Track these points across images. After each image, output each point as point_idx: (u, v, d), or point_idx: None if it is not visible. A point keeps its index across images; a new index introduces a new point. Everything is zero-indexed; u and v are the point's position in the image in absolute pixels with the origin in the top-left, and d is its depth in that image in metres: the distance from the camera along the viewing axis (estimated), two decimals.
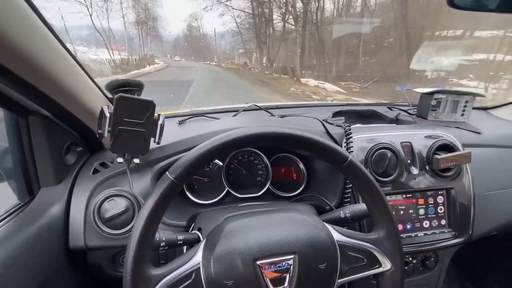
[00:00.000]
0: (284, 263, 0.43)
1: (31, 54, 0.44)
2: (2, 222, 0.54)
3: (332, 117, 1.00)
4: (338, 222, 0.59)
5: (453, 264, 1.27)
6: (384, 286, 0.51)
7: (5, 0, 0.37)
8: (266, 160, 0.80)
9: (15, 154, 0.60)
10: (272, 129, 0.45)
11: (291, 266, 0.43)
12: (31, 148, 0.60)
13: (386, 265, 0.50)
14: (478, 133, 0.93)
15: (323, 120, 0.89)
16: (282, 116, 0.99)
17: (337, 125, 0.85)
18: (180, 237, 0.53)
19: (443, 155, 0.75)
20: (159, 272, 0.42)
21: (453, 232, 0.78)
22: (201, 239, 0.56)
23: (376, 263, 0.50)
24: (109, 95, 0.69)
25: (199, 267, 0.43)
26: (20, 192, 0.62)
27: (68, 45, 0.55)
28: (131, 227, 0.64)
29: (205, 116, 1.01)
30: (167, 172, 0.42)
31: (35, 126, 0.58)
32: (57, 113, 0.58)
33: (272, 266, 0.42)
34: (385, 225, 0.50)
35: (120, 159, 0.62)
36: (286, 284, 0.43)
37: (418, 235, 0.77)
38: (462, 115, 1.00)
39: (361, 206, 0.59)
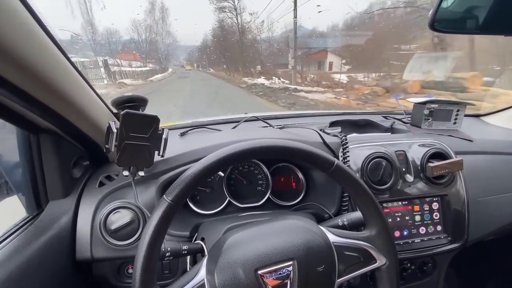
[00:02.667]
0: (284, 270, 0.45)
1: (42, 72, 0.46)
2: (12, 236, 0.56)
3: (329, 126, 1.03)
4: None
5: (453, 269, 1.28)
6: (382, 280, 0.53)
7: (14, 18, 0.39)
8: (266, 170, 0.82)
9: (25, 169, 0.62)
10: (261, 143, 0.47)
11: (291, 272, 0.45)
12: (40, 163, 0.62)
13: (381, 260, 0.52)
14: (471, 140, 0.96)
15: (320, 130, 0.92)
16: (281, 128, 1.02)
17: (334, 135, 0.88)
18: (184, 247, 0.55)
19: (435, 163, 0.77)
20: None
21: (449, 238, 0.81)
22: (204, 249, 0.58)
23: (372, 259, 0.52)
24: (114, 110, 0.72)
25: (203, 283, 0.44)
26: (29, 205, 0.64)
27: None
28: (136, 238, 0.66)
29: (206, 128, 1.04)
30: (164, 196, 0.44)
31: (45, 142, 0.61)
32: (66, 129, 0.61)
33: (273, 274, 0.44)
34: (375, 222, 0.53)
35: (126, 172, 0.65)
36: None
37: (415, 241, 0.79)
38: (455, 123, 1.03)
39: (358, 214, 0.61)
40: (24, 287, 0.50)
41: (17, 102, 0.48)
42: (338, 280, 0.49)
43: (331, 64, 15.80)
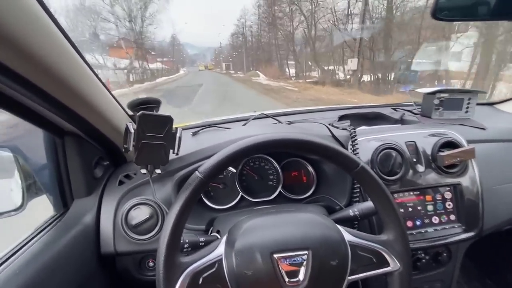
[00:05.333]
0: (298, 258, 0.47)
1: (68, 80, 0.50)
2: (43, 232, 0.61)
3: (338, 120, 1.04)
4: (348, 220, 0.63)
5: (470, 259, 1.26)
6: (393, 285, 0.54)
7: (38, 27, 0.42)
8: (276, 165, 0.84)
9: (52, 170, 0.67)
10: (290, 136, 0.49)
11: (305, 261, 0.47)
12: (65, 164, 0.67)
13: (395, 265, 0.53)
14: (483, 128, 0.95)
15: (329, 124, 0.93)
16: (290, 123, 1.03)
17: (343, 129, 0.89)
18: (202, 239, 0.58)
19: (446, 152, 0.77)
20: (187, 260, 0.47)
21: (463, 227, 0.80)
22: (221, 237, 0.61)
23: (385, 263, 0.53)
24: (130, 112, 0.76)
25: (221, 259, 0.47)
26: (56, 204, 0.69)
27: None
28: (156, 233, 0.69)
29: (216, 127, 1.07)
30: (197, 171, 0.47)
31: (70, 144, 0.65)
32: (88, 131, 0.65)
33: (287, 260, 0.47)
34: (394, 228, 0.54)
35: (143, 171, 0.68)
36: (300, 277, 0.47)
37: (428, 230, 0.79)
38: (466, 112, 1.02)
39: (368, 204, 0.63)
40: (56, 277, 0.55)
41: (44, 106, 0.52)
42: (349, 278, 0.50)
43: None
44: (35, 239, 0.58)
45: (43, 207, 0.69)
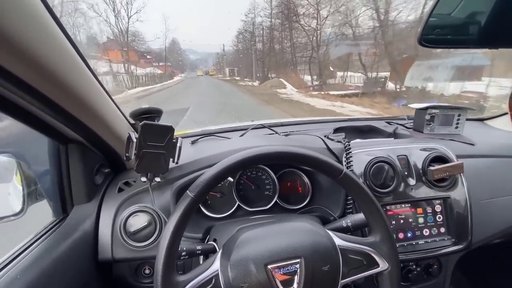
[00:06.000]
0: (291, 267, 0.49)
1: (73, 87, 0.52)
2: (42, 238, 0.62)
3: (333, 133, 1.07)
4: (341, 231, 0.65)
5: (461, 272, 1.28)
6: (383, 284, 0.56)
7: (46, 35, 0.43)
8: (273, 175, 0.87)
9: (53, 176, 0.68)
10: (275, 149, 0.52)
11: (298, 269, 0.49)
12: (67, 171, 0.68)
13: (384, 265, 0.56)
14: (472, 144, 0.99)
15: (325, 136, 0.96)
16: (287, 135, 1.06)
17: (338, 141, 0.92)
18: (199, 247, 0.60)
19: (436, 166, 0.80)
20: (184, 278, 0.48)
21: (452, 239, 0.83)
22: (217, 249, 0.62)
23: (374, 263, 0.56)
24: (131, 121, 0.78)
25: (217, 273, 0.49)
26: (56, 209, 0.71)
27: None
28: (154, 240, 0.71)
29: (215, 136, 1.09)
30: (187, 191, 0.49)
31: (73, 151, 0.67)
32: (91, 139, 0.67)
33: (281, 270, 0.49)
34: (380, 229, 0.57)
35: (143, 178, 0.70)
36: (294, 285, 0.49)
37: (419, 242, 0.81)
38: (456, 127, 1.06)
39: (361, 216, 0.65)
40: (55, 282, 0.56)
41: (50, 115, 0.54)
42: (341, 281, 0.53)
43: None
44: (35, 244, 0.59)
45: (42, 213, 0.70)
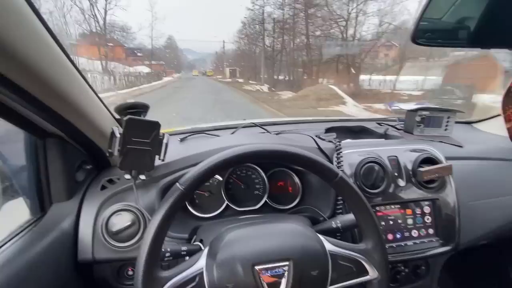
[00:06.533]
0: (279, 269, 0.47)
1: (50, 79, 0.49)
2: (16, 237, 0.58)
3: (324, 133, 1.06)
4: (330, 232, 0.64)
5: (448, 273, 1.30)
6: None
7: (23, 25, 0.41)
8: (263, 174, 0.85)
9: (30, 172, 0.64)
10: (273, 147, 0.51)
11: (286, 272, 0.48)
12: (45, 167, 0.65)
13: (373, 273, 0.54)
14: (461, 146, 1.00)
15: (316, 136, 0.95)
16: (278, 134, 1.05)
17: (329, 141, 0.91)
18: (184, 248, 0.57)
19: (426, 168, 0.80)
20: (167, 274, 0.46)
21: (440, 241, 0.83)
22: (203, 249, 0.60)
23: (364, 271, 0.54)
24: (116, 116, 0.75)
25: (202, 272, 0.47)
26: (33, 207, 0.67)
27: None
28: (137, 240, 0.68)
29: (205, 133, 1.07)
30: (177, 183, 0.47)
31: (51, 147, 0.64)
32: (71, 134, 0.64)
33: (269, 271, 0.47)
34: (372, 237, 0.55)
35: (127, 176, 0.67)
36: None
37: (408, 244, 0.81)
38: (446, 129, 1.07)
39: (350, 217, 0.64)
40: (30, 284, 0.52)
41: (27, 108, 0.51)
42: (330, 287, 0.51)
43: None
44: (7, 245, 0.55)
45: (19, 211, 0.66)
